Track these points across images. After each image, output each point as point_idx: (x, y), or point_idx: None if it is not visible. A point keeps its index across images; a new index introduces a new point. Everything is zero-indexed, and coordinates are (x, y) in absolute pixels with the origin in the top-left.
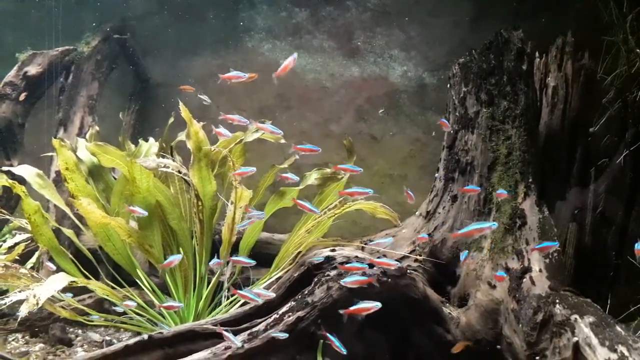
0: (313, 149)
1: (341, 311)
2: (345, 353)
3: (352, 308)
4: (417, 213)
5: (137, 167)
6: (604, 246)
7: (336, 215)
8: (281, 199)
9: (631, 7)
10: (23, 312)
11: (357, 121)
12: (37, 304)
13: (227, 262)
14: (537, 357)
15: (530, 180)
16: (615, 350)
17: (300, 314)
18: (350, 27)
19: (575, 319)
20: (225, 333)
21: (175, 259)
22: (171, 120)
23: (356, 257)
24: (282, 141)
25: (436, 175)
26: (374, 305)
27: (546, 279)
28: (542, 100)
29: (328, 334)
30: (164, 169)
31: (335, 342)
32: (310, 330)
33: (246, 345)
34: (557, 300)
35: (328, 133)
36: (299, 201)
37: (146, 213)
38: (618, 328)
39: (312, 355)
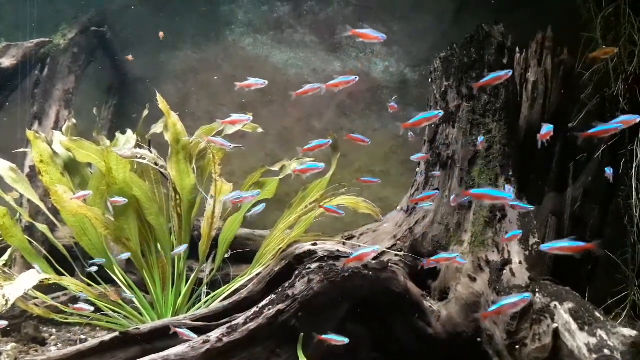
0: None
1: None
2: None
3: None
4: (398, 208)
5: (114, 156)
6: (583, 239)
7: (318, 211)
8: (261, 191)
9: (608, 3)
10: None
11: (339, 117)
12: (7, 304)
13: (207, 259)
14: (517, 346)
15: (511, 173)
16: (594, 335)
17: (280, 306)
18: (332, 22)
19: (555, 305)
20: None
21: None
22: (146, 112)
23: (338, 250)
24: (260, 130)
25: (417, 169)
26: None
27: (526, 271)
28: (522, 95)
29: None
30: (140, 160)
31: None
32: (291, 324)
33: (225, 339)
34: (537, 289)
35: (310, 129)
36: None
37: (126, 200)
38: (597, 314)
39: (292, 348)
